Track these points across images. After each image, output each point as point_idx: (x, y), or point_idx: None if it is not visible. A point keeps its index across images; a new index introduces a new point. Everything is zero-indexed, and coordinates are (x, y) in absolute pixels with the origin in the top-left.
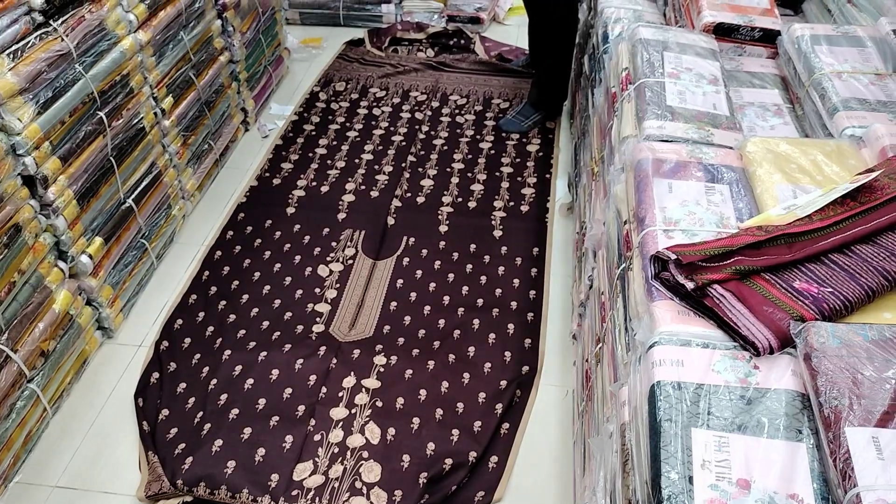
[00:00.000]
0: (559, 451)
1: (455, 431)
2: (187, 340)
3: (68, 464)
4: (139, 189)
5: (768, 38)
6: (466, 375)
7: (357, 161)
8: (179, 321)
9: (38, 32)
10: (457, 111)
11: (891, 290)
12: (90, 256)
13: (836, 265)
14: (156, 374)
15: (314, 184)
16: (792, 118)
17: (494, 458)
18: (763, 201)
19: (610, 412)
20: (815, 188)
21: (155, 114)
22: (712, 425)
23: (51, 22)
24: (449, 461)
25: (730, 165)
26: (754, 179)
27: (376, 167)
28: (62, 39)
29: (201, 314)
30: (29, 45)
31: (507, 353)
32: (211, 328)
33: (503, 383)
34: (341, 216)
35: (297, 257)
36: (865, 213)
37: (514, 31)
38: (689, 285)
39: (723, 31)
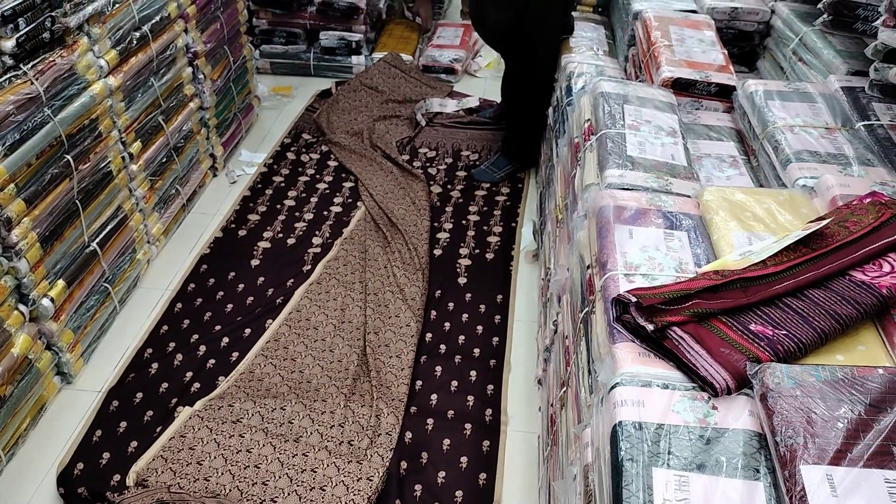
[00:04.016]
0: (524, 496)
1: (417, 487)
2: (139, 395)
3: None
4: (104, 233)
5: (724, 93)
6: (430, 422)
7: (325, 213)
8: (132, 375)
9: (8, 75)
10: (427, 163)
11: (843, 333)
12: (52, 300)
13: (790, 308)
14: (98, 432)
15: (280, 235)
16: (747, 169)
17: None
18: (720, 247)
19: (574, 455)
20: (769, 235)
21: (123, 158)
22: (672, 465)
23: (21, 66)
24: None
25: (688, 213)
26: (711, 226)
27: (345, 219)
28: (32, 83)
29: (155, 366)
30: None
31: (470, 399)
32: (165, 384)
33: (467, 429)
34: (306, 268)
35: (258, 310)
36: (817, 258)
37: (481, 84)
38: (650, 327)
39: (681, 86)
